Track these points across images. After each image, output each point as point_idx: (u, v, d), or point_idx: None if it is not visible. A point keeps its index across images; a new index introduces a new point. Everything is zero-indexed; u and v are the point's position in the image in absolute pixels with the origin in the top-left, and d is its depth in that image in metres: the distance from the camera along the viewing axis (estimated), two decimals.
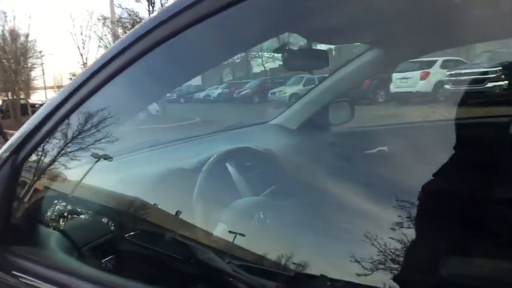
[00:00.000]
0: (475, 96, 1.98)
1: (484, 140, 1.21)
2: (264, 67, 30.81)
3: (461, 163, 1.23)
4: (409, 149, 1.53)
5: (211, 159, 0.92)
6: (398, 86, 11.51)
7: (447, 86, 9.99)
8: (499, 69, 11.26)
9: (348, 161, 0.98)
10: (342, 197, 0.81)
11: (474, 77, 10.19)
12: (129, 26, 18.12)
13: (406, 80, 10.87)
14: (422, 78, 10.61)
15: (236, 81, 23.27)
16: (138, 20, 18.10)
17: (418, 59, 12.09)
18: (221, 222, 0.87)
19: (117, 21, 19.96)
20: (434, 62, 11.15)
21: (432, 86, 10.88)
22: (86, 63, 27.42)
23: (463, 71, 10.11)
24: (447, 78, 10.11)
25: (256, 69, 30.41)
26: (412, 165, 1.53)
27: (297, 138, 1.50)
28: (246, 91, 17.65)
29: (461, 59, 12.68)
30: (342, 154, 1.05)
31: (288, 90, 14.86)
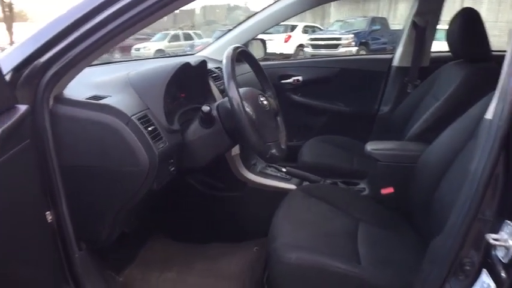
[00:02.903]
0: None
1: None
2: None
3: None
4: (318, 79, 2.11)
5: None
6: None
7: (307, 49, 11.11)
8: (351, 37, 12.85)
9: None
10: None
11: (330, 42, 11.41)
12: None
13: (272, 42, 11.67)
14: (286, 41, 11.56)
15: None
16: None
17: (282, 23, 12.98)
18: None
19: None
20: (296, 26, 12.18)
21: (294, 48, 11.96)
22: None
23: (320, 36, 11.25)
24: (307, 42, 11.21)
25: None
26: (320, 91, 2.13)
27: None
28: None
29: (318, 25, 14.04)
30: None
31: (153, 46, 14.15)
